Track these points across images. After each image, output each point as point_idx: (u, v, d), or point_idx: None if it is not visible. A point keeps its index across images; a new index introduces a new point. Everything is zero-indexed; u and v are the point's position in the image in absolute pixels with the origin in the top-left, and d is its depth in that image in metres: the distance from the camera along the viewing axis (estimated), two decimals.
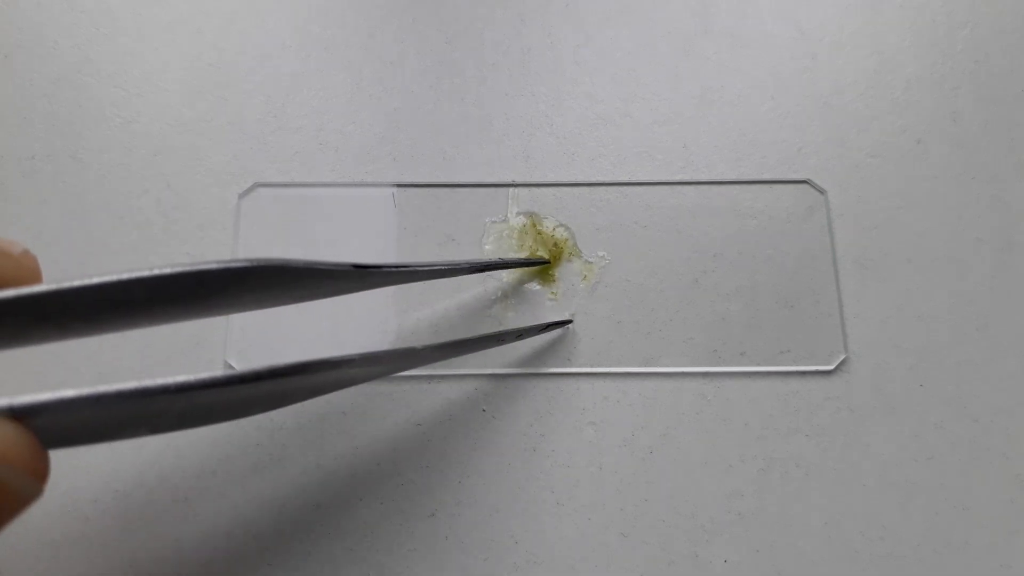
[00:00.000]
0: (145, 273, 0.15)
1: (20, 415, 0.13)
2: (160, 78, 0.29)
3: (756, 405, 0.25)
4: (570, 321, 0.26)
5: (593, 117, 0.29)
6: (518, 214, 0.27)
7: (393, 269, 0.20)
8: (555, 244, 0.27)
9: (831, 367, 0.25)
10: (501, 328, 0.25)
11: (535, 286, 0.27)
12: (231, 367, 0.25)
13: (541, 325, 0.25)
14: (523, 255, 0.27)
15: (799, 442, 0.25)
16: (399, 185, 0.28)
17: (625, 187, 0.28)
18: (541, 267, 0.27)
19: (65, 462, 0.24)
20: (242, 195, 0.27)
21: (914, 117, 0.29)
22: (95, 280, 0.14)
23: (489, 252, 0.27)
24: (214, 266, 0.15)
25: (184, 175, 0.28)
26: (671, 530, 0.24)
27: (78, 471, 0.24)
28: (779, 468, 0.24)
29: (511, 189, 0.28)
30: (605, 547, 0.24)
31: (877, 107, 0.29)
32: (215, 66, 0.29)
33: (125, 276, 0.14)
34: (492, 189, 0.28)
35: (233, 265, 0.15)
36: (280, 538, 0.24)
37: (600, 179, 0.28)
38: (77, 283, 0.14)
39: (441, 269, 0.22)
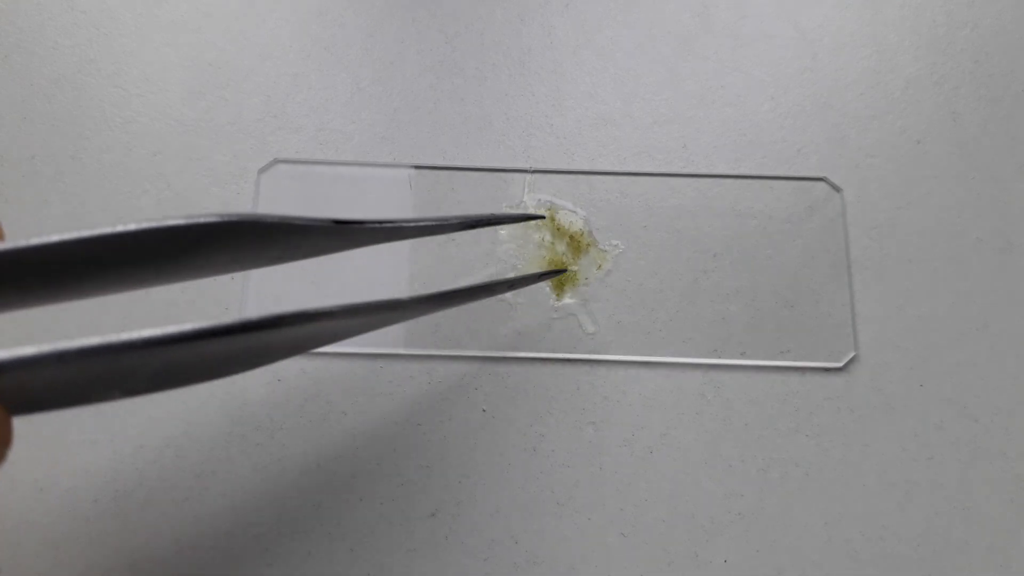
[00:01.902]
0: (107, 230, 0.14)
1: None
2: (160, 78, 0.29)
3: (756, 405, 0.25)
4: (564, 270, 0.26)
5: (593, 117, 0.29)
6: (538, 204, 0.27)
7: (376, 225, 0.19)
8: (571, 237, 0.27)
9: (840, 364, 0.25)
10: (494, 279, 0.24)
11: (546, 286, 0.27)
12: None
13: (535, 274, 0.25)
14: (539, 268, 0.27)
15: (799, 442, 0.25)
16: (417, 167, 0.28)
17: (632, 178, 0.28)
18: (561, 261, 0.27)
19: (65, 462, 0.24)
20: (262, 170, 0.27)
21: (914, 117, 0.29)
22: (55, 238, 0.13)
23: (504, 238, 0.27)
24: (181, 221, 0.14)
25: (184, 175, 0.28)
26: (671, 530, 0.24)
27: (78, 471, 0.24)
28: (779, 468, 0.25)
29: (527, 176, 0.28)
30: (605, 547, 0.24)
31: (877, 107, 0.29)
32: (215, 66, 0.29)
33: (86, 233, 0.14)
34: (503, 176, 0.28)
35: (201, 220, 0.15)
36: (280, 538, 0.24)
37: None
38: (35, 241, 0.13)
39: (429, 226, 0.21)
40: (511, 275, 0.26)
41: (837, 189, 0.27)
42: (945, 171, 0.28)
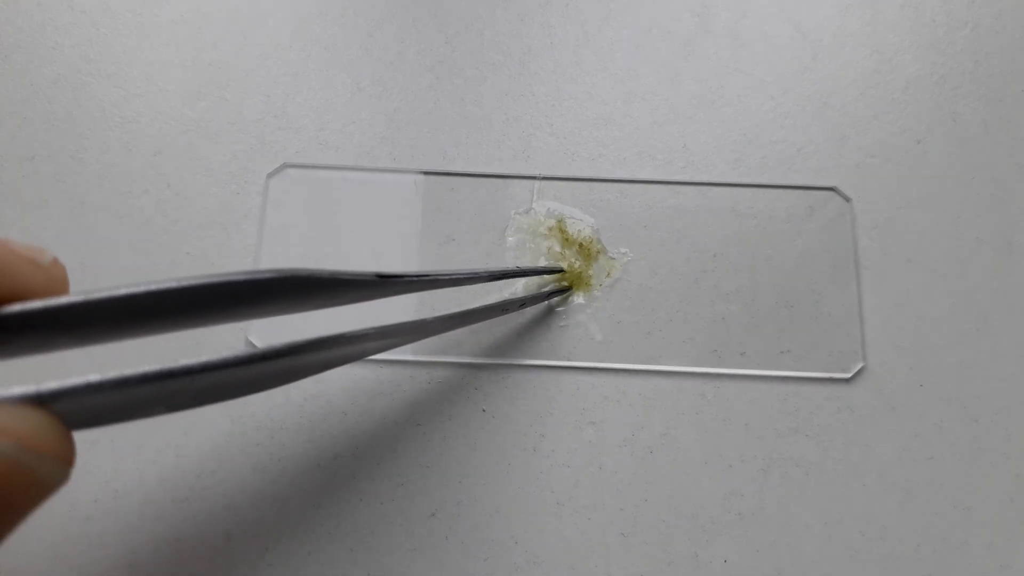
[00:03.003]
0: (173, 284, 0.15)
1: (46, 400, 0.13)
2: (160, 78, 0.29)
3: (756, 405, 0.25)
4: (570, 288, 0.26)
5: (593, 117, 0.29)
6: (548, 213, 0.27)
7: (415, 278, 0.21)
8: (580, 245, 0.27)
9: (848, 375, 0.25)
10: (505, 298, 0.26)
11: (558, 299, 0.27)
12: (252, 344, 0.25)
13: (544, 293, 0.26)
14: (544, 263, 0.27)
15: (799, 442, 0.25)
16: (425, 173, 0.28)
17: (645, 185, 0.28)
18: (577, 278, 0.26)
19: None
20: (270, 175, 0.27)
21: (914, 117, 0.29)
22: (122, 291, 0.14)
23: (512, 244, 0.27)
24: (241, 277, 0.15)
25: (184, 175, 0.28)
26: (671, 530, 0.24)
27: (78, 471, 0.24)
28: (779, 468, 0.25)
29: (536, 182, 0.28)
30: (605, 547, 0.24)
31: (877, 107, 0.29)
32: (215, 66, 0.29)
33: (153, 287, 0.15)
34: (510, 182, 0.28)
35: (259, 276, 0.16)
36: (280, 538, 0.24)
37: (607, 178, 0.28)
38: (104, 294, 0.14)
39: (461, 278, 0.23)
40: (521, 280, 0.27)
41: (847, 199, 0.27)
42: (945, 171, 0.28)
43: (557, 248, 0.27)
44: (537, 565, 0.23)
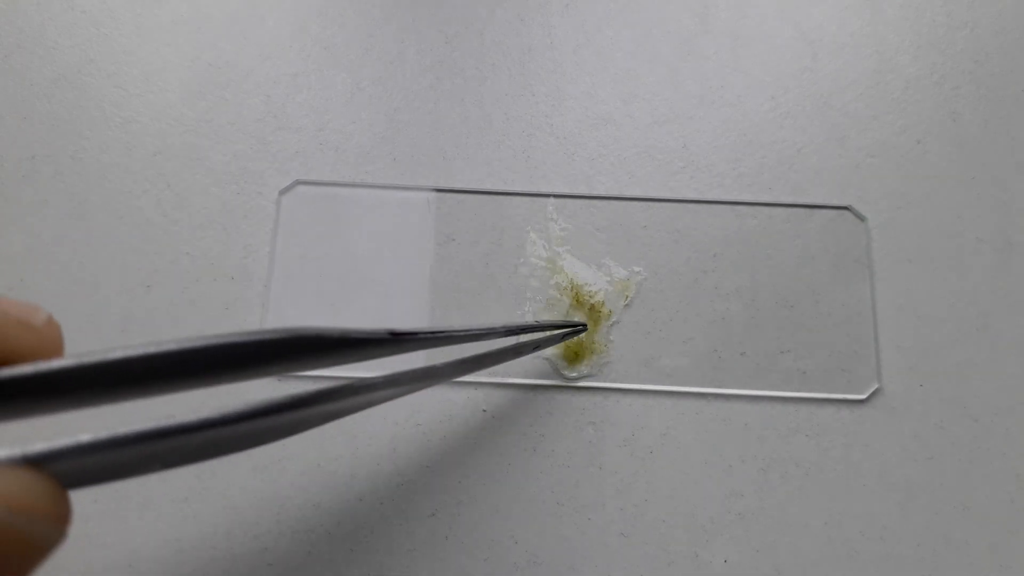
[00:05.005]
0: (172, 347, 0.14)
1: (36, 461, 0.13)
2: (160, 78, 0.29)
3: (756, 405, 0.25)
4: (584, 326, 0.26)
5: (593, 117, 0.29)
6: (562, 230, 0.27)
7: (428, 335, 0.20)
8: (591, 308, 0.26)
9: (863, 396, 0.25)
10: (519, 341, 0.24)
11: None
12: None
13: (558, 335, 0.25)
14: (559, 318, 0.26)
15: (799, 442, 0.25)
16: (438, 190, 0.28)
17: (653, 202, 0.28)
18: (580, 337, 0.26)
19: None
20: (283, 191, 0.27)
21: (914, 117, 0.29)
22: (117, 355, 0.14)
23: (535, 264, 0.27)
24: (245, 338, 0.15)
25: (184, 175, 0.28)
26: (671, 530, 0.24)
27: None
28: (779, 468, 0.24)
29: (550, 200, 0.28)
30: (605, 547, 0.24)
31: (877, 107, 0.29)
32: (215, 66, 0.29)
33: (151, 350, 0.14)
34: (524, 200, 0.28)
35: (265, 337, 0.15)
36: (280, 538, 0.24)
37: (612, 188, 0.28)
38: (97, 358, 0.13)
39: (476, 333, 0.22)
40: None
41: (862, 219, 0.27)
42: (945, 171, 0.28)
43: (566, 302, 0.26)
44: (537, 565, 0.23)
